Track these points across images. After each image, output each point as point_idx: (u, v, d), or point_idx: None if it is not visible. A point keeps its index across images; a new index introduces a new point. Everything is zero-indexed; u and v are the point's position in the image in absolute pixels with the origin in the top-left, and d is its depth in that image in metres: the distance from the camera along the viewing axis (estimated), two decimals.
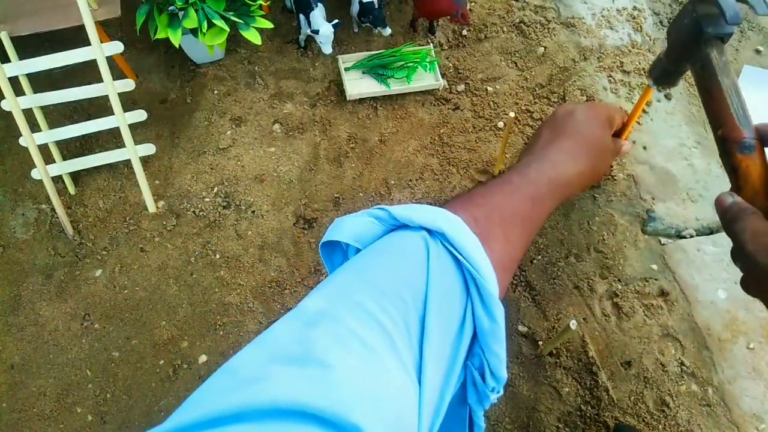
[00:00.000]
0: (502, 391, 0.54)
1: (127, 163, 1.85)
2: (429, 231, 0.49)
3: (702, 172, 1.95)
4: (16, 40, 1.74)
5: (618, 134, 0.85)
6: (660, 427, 1.53)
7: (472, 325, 0.48)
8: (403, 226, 0.51)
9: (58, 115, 1.98)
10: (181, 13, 1.76)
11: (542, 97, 2.10)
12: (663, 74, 1.24)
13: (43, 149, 1.77)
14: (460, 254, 0.46)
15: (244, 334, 1.66)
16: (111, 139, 1.95)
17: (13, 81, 1.67)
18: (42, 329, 1.67)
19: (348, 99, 2.04)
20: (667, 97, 2.09)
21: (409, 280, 0.43)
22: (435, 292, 0.43)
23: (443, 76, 2.11)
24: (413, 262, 0.45)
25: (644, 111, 2.04)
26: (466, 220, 0.52)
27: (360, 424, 0.32)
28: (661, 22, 2.32)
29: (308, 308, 0.42)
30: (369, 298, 0.40)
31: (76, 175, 1.88)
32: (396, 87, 2.04)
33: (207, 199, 1.87)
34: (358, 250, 0.53)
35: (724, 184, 1.94)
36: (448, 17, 2.04)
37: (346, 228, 0.53)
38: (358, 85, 2.06)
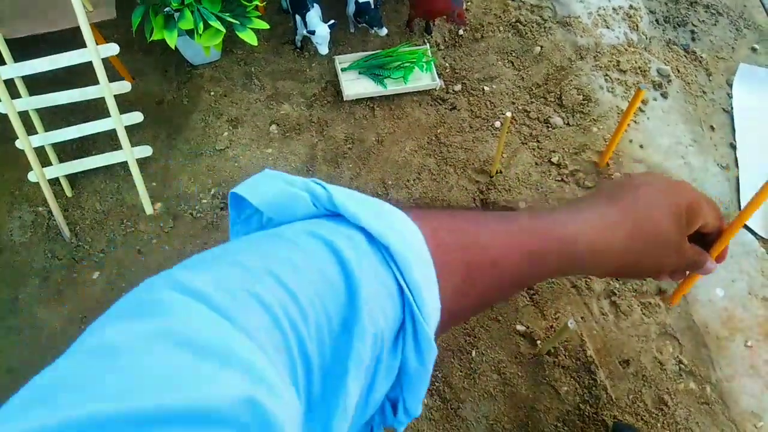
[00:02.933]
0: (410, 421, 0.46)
1: (124, 165, 1.84)
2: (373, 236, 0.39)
3: (698, 170, 1.95)
4: (11, 42, 1.73)
5: (707, 242, 0.59)
6: (658, 425, 1.53)
7: (398, 359, 0.40)
8: (338, 216, 0.40)
9: (54, 118, 1.97)
10: (176, 15, 1.76)
11: (539, 96, 2.10)
12: None
13: (40, 152, 1.75)
14: (405, 282, 0.38)
15: None
16: (107, 141, 1.94)
17: (9, 83, 1.66)
18: (39, 332, 1.67)
19: (345, 99, 2.03)
20: (664, 95, 2.09)
21: (325, 293, 0.35)
22: (364, 309, 0.35)
23: (440, 76, 2.11)
24: (333, 277, 0.36)
25: (640, 110, 2.05)
26: (429, 240, 0.41)
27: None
28: (657, 20, 2.32)
29: (191, 284, 0.31)
30: (270, 293, 0.32)
31: (72, 178, 1.87)
32: (393, 87, 2.04)
33: (204, 201, 1.86)
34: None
35: (720, 182, 1.95)
36: (445, 17, 2.04)
37: (269, 192, 0.42)
38: (355, 86, 2.05)
